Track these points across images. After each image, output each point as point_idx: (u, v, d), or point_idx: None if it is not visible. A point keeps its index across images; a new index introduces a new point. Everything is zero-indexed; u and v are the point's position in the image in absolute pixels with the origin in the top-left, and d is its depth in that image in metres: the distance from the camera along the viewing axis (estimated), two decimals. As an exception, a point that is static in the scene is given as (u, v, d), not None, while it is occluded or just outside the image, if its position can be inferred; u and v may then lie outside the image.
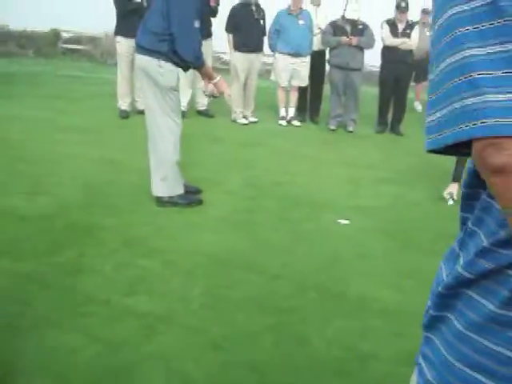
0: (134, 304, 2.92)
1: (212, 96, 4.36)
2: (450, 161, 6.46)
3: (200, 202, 4.44)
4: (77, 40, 15.22)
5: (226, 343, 2.64)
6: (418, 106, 10.43)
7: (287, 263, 3.54)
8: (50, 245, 3.51)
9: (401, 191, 5.34)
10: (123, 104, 7.52)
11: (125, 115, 7.50)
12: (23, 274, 3.12)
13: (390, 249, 3.96)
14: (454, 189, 5.04)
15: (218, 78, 4.23)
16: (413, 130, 8.41)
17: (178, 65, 4.06)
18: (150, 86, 4.08)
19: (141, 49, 4.08)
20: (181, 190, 4.33)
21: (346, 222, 4.40)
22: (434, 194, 5.28)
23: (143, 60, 4.07)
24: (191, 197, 4.44)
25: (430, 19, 9.78)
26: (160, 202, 4.30)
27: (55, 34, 14.86)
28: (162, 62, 3.99)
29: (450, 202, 5.00)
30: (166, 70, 4.01)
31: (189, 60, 4.02)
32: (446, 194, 5.05)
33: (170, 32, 3.88)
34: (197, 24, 3.93)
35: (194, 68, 4.24)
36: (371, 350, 2.68)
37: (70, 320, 2.72)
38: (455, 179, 5.03)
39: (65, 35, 15.22)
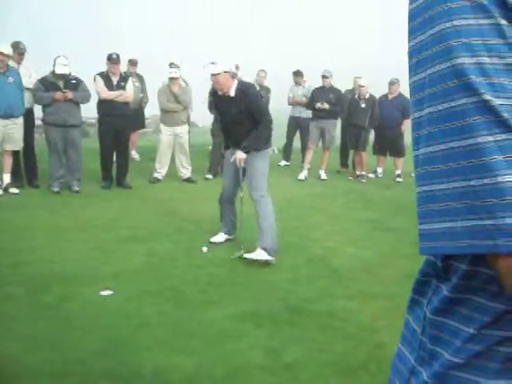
0: None
1: None
2: (189, 209, 6.68)
3: None
4: None
5: None
6: (136, 155, 10.50)
7: (63, 357, 3.09)
8: None
9: (150, 248, 5.22)
10: None
11: None
12: None
13: (164, 311, 3.81)
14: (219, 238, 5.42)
15: None
16: (138, 181, 8.45)
17: None
18: None
19: None
20: None
21: (110, 292, 4.09)
22: (185, 245, 5.31)
23: None
24: None
25: (136, 69, 10.02)
26: None
27: None
28: None
29: (204, 250, 5.10)
30: None
31: None
32: (204, 248, 5.16)
33: None
34: None
35: None
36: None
37: None
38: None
39: None
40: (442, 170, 0.75)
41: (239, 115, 5.01)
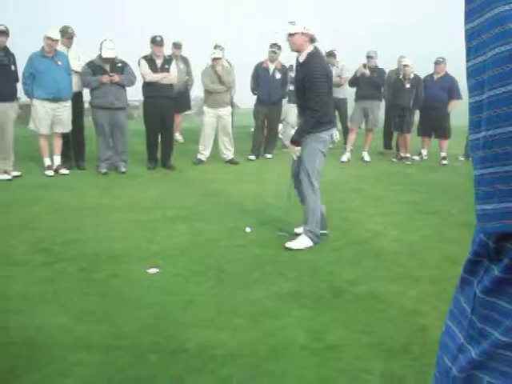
0: None
1: None
2: (232, 190, 6.76)
3: (-11, 282, 3.80)
4: None
5: None
6: (179, 137, 10.65)
7: (113, 331, 3.22)
8: None
9: (195, 227, 5.33)
10: None
11: None
12: None
13: (209, 289, 3.90)
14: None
15: None
16: (182, 162, 8.58)
17: None
18: None
19: None
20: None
21: (156, 270, 4.21)
22: (228, 225, 5.39)
23: None
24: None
25: (181, 52, 10.11)
26: None
27: None
28: None
29: (248, 230, 5.17)
30: None
31: None
32: (248, 229, 5.23)
33: None
34: None
35: None
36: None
37: None
38: None
39: None
40: (502, 152, 0.77)
41: (301, 83, 4.67)
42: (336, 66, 10.38)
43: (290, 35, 4.63)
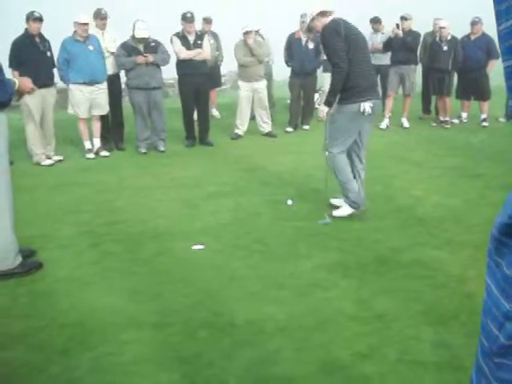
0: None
1: None
2: (271, 163, 6.73)
3: (40, 266, 3.89)
4: None
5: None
6: (216, 113, 10.64)
7: (162, 309, 3.29)
8: None
9: (236, 202, 5.35)
10: None
11: None
12: None
13: (254, 263, 3.93)
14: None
15: (17, 82, 3.67)
16: (220, 138, 8.60)
17: None
18: None
19: None
20: (20, 258, 3.77)
21: (200, 246, 4.26)
22: (269, 199, 5.40)
23: None
24: (29, 262, 3.87)
25: (211, 27, 10.05)
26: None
27: None
28: None
29: (289, 203, 5.17)
30: None
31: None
32: (289, 201, 5.24)
33: None
34: None
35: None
36: (286, 372, 2.60)
37: None
38: None
39: None
40: None
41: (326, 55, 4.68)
42: (381, 32, 10.05)
43: (311, 27, 4.74)
